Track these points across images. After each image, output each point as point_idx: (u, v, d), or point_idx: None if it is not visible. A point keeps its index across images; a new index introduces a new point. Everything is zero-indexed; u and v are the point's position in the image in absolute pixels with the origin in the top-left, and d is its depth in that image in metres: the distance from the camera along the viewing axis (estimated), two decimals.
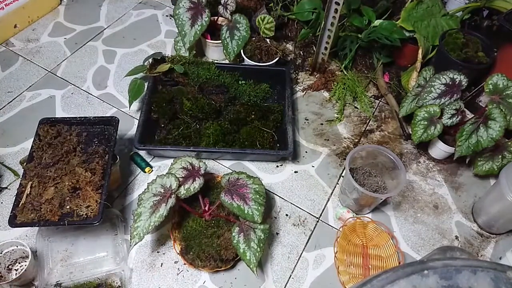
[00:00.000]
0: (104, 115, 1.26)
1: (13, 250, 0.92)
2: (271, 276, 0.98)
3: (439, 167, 1.22)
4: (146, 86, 1.21)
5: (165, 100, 1.20)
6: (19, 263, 0.94)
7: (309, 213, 1.09)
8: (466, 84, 1.08)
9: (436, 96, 1.10)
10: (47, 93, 1.32)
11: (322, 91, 1.40)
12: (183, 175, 0.95)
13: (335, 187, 1.15)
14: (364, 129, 1.30)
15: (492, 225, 1.07)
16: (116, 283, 0.93)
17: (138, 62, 1.38)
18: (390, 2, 1.42)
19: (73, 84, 1.35)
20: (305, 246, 1.04)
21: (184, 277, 0.96)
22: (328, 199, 1.13)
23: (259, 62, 1.34)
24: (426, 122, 1.10)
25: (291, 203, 1.11)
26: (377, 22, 1.35)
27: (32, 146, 0.98)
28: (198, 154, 1.13)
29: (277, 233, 1.05)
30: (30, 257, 0.88)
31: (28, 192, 0.90)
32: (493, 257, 1.04)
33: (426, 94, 1.12)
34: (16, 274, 0.92)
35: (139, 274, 0.96)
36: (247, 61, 1.35)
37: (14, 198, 0.89)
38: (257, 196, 0.91)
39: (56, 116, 1.23)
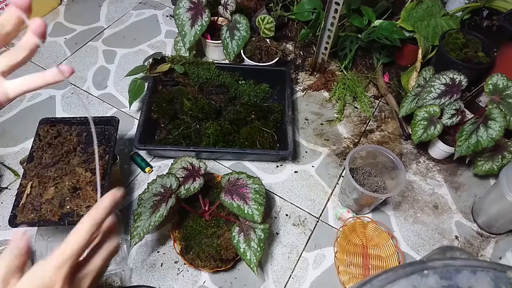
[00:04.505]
0: (104, 115, 1.26)
1: None
2: (271, 276, 0.98)
3: (439, 167, 1.22)
4: (146, 86, 1.21)
5: (165, 100, 1.20)
6: None
7: (309, 213, 1.09)
8: (466, 84, 1.08)
9: (436, 96, 1.10)
10: (47, 93, 1.32)
11: (322, 91, 1.40)
12: (183, 175, 0.95)
13: (335, 187, 1.15)
14: (364, 129, 1.30)
15: (492, 225, 1.07)
16: (116, 283, 0.93)
17: (138, 62, 1.38)
18: (390, 2, 1.42)
19: (73, 84, 1.35)
20: (305, 246, 1.04)
21: (184, 277, 0.96)
22: (328, 199, 1.13)
23: (259, 62, 1.34)
24: (426, 122, 1.10)
25: (291, 203, 1.11)
26: (377, 22, 1.35)
27: (32, 146, 0.98)
28: (198, 154, 1.13)
29: (277, 233, 1.05)
30: None
31: (28, 192, 0.90)
32: (493, 257, 1.04)
33: (426, 94, 1.12)
34: None
35: (139, 274, 0.96)
36: (247, 61, 1.35)
37: (14, 198, 0.89)
38: (257, 196, 0.91)
39: (56, 116, 1.22)
